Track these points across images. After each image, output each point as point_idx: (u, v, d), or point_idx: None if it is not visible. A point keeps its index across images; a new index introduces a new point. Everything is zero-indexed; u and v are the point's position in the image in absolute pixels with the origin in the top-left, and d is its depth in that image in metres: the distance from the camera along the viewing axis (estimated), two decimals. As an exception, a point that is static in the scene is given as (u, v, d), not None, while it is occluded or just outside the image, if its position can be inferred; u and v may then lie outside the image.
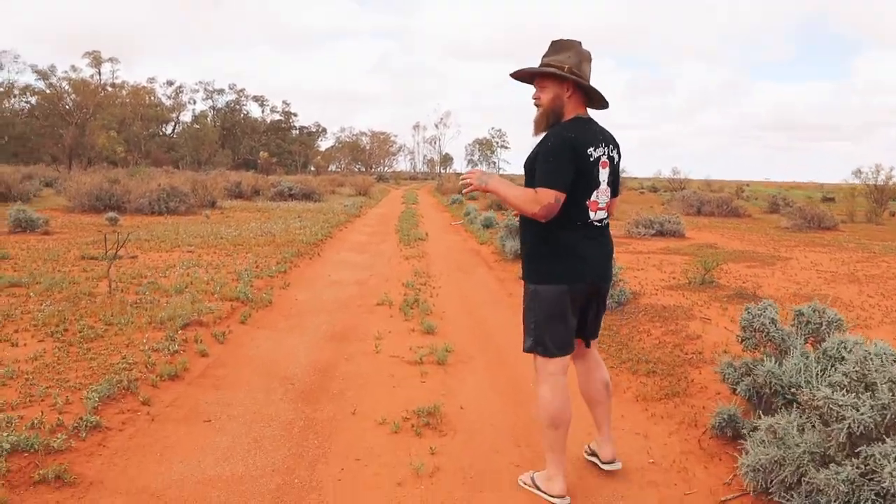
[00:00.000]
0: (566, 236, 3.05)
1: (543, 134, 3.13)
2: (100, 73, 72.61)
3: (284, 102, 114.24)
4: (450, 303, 7.99)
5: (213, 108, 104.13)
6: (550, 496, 3.18)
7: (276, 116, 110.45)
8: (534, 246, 3.15)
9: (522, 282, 3.27)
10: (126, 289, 7.38)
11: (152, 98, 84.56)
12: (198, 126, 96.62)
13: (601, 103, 3.22)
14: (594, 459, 3.57)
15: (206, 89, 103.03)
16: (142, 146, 74.88)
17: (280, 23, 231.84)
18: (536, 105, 3.18)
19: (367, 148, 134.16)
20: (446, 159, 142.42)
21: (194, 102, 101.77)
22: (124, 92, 76.09)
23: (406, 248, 13.25)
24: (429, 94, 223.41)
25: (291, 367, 5.19)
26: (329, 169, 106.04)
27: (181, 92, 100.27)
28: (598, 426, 3.49)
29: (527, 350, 3.20)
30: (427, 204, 32.41)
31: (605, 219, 3.20)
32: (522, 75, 3.21)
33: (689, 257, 11.32)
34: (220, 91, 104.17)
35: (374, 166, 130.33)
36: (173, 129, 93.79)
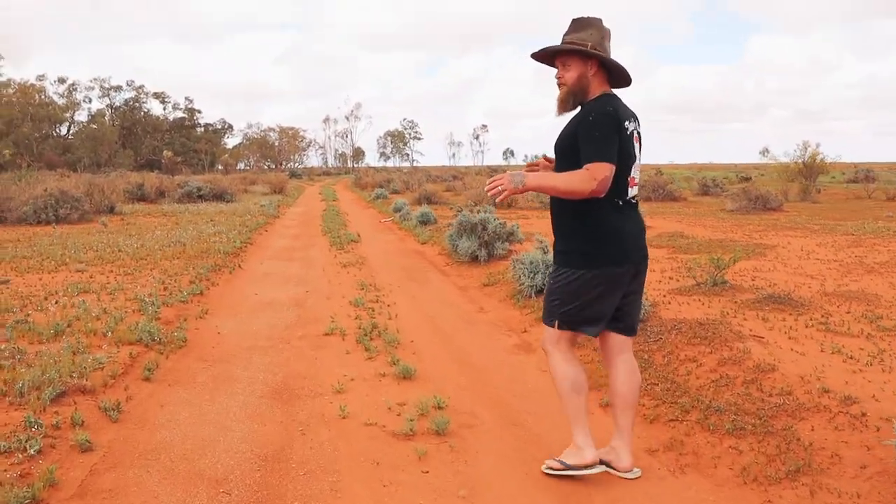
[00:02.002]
0: (609, 216, 3.01)
1: (569, 113, 3.13)
2: (-20, 71, 67.40)
3: (187, 99, 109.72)
4: (414, 327, 6.39)
5: (110, 106, 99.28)
6: (584, 466, 3.15)
7: (179, 114, 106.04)
8: (575, 229, 3.08)
9: (555, 267, 3.22)
10: (-16, 333, 5.48)
11: (43, 97, 79.22)
12: (95, 126, 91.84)
13: (625, 80, 3.17)
14: (607, 469, 3.30)
15: (102, 86, 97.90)
16: (34, 149, 69.91)
17: (179, 14, 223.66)
18: (560, 85, 3.13)
19: (276, 144, 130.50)
20: (359, 153, 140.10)
21: (90, 101, 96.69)
22: (10, 90, 70.82)
23: (340, 253, 11.54)
24: (338, 87, 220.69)
25: (223, 460, 3.47)
26: (237, 167, 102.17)
27: (75, 90, 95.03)
28: (619, 431, 3.29)
29: (549, 324, 3.19)
30: (348, 200, 30.56)
31: (637, 195, 3.18)
32: (544, 55, 3.17)
33: (667, 250, 10.04)
34: (118, 88, 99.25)
35: (284, 163, 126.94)
36: (68, 130, 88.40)
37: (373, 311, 6.94)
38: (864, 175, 42.69)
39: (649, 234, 11.24)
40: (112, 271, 8.63)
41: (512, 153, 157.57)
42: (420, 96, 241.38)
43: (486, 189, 3.08)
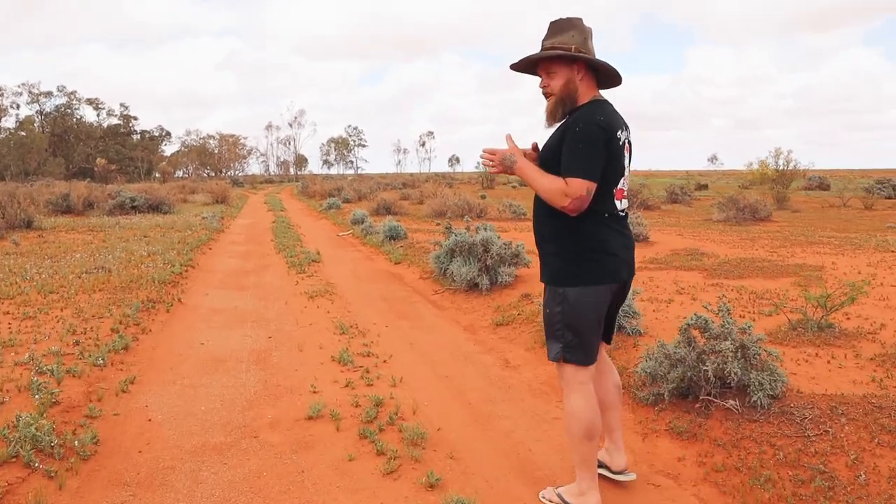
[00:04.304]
0: (596, 231, 2.83)
1: (558, 124, 2.88)
2: None
3: (123, 105, 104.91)
4: (432, 399, 4.54)
5: (40, 112, 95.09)
6: None
7: (114, 120, 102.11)
8: (560, 243, 2.87)
9: (543, 285, 3.00)
10: None
11: (-36, 102, 74.94)
12: (23, 133, 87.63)
13: (615, 79, 2.94)
14: (602, 471, 3.27)
15: (30, 92, 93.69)
16: (-46, 157, 65.79)
17: (115, 20, 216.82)
18: (546, 94, 2.90)
19: (216, 151, 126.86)
20: (302, 160, 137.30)
21: (17, 107, 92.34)
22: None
23: (302, 278, 9.58)
24: (280, 94, 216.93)
25: None
26: (176, 175, 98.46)
27: (1, 95, 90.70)
28: (608, 433, 3.23)
29: (555, 359, 2.94)
30: (297, 210, 28.34)
31: (627, 207, 2.96)
32: (525, 64, 2.93)
33: (699, 273, 8.38)
34: (48, 94, 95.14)
35: (224, 170, 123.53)
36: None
37: (367, 372, 5.06)
38: (817, 183, 42.45)
39: (666, 254, 9.60)
40: (8, 312, 6.52)
41: (458, 160, 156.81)
42: (364, 103, 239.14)
43: (481, 156, 2.96)
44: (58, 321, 6.17)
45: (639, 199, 23.06)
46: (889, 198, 27.52)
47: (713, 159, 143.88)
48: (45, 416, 3.70)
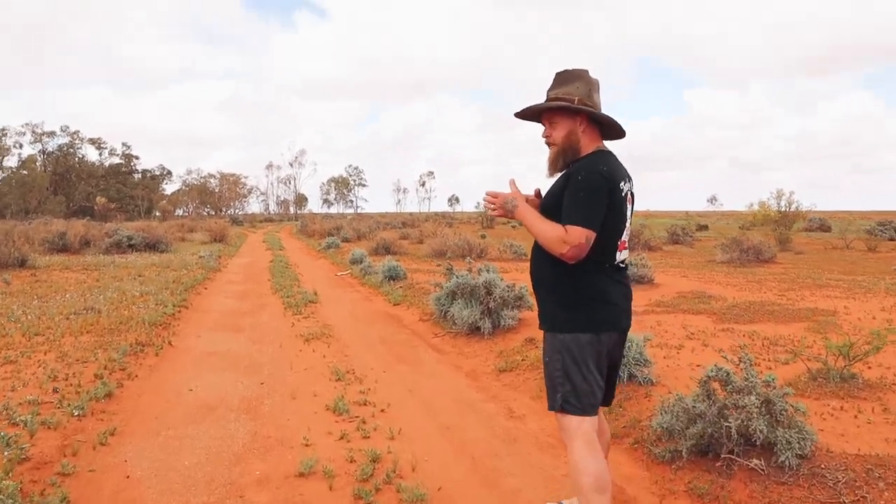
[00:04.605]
0: (597, 280, 2.79)
1: (559, 174, 2.89)
2: None
3: (125, 145, 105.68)
4: (432, 453, 4.25)
5: (42, 151, 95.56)
6: None
7: (116, 160, 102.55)
8: (559, 290, 2.83)
9: (542, 332, 2.93)
10: None
11: (-31, 142, 75.54)
12: (25, 172, 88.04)
13: (617, 133, 2.95)
14: None
15: (34, 132, 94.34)
16: (-43, 196, 65.97)
17: (118, 62, 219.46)
18: (548, 144, 2.92)
19: (217, 190, 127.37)
20: (302, 199, 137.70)
21: (20, 146, 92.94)
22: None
23: (298, 319, 9.31)
24: (280, 135, 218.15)
25: None
26: (176, 213, 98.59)
27: (4, 135, 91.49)
28: None
29: (555, 409, 2.83)
30: (295, 249, 28.13)
31: (626, 259, 2.92)
32: (529, 113, 2.96)
33: (708, 317, 8.11)
34: (51, 134, 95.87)
35: (224, 209, 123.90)
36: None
37: (363, 422, 4.77)
38: (817, 224, 42.39)
39: (672, 297, 9.33)
40: (-11, 356, 6.24)
41: (458, 199, 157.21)
42: (364, 144, 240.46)
43: (483, 199, 2.98)
44: (39, 366, 5.89)
45: (640, 240, 22.88)
46: (892, 239, 27.37)
47: (713, 200, 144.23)
48: (11, 474, 3.41)
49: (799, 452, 3.49)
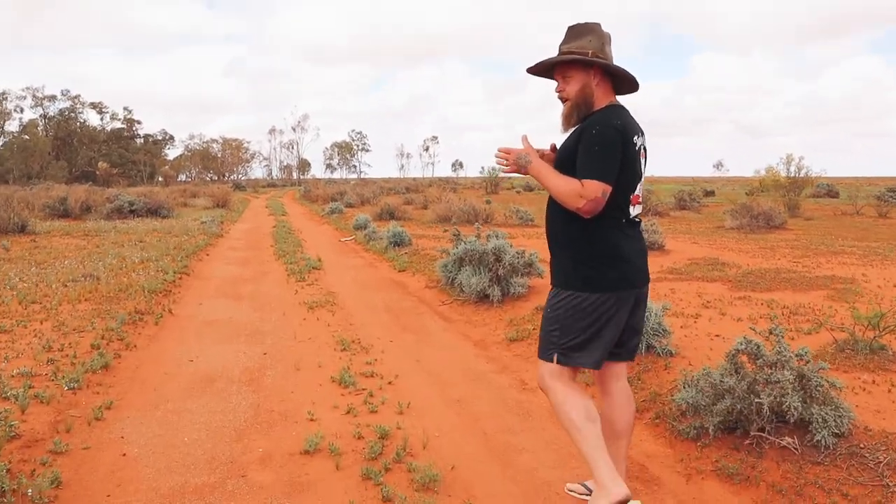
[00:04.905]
0: (611, 235, 2.75)
1: (573, 129, 2.82)
2: None
3: (126, 109, 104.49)
4: (442, 428, 4.06)
5: (44, 116, 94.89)
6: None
7: (118, 124, 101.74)
8: (574, 247, 2.78)
9: (551, 287, 2.90)
10: None
11: (-33, 106, 74.97)
12: (26, 136, 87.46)
13: (631, 86, 2.90)
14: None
15: (34, 96, 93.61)
16: (-43, 160, 65.60)
17: (120, 25, 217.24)
18: (562, 99, 2.85)
19: (220, 155, 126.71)
20: (305, 164, 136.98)
21: (21, 111, 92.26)
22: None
23: (301, 286, 9.10)
24: (284, 99, 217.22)
25: None
26: (179, 179, 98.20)
27: (5, 99, 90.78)
28: (613, 461, 2.77)
29: (545, 358, 2.82)
30: (298, 214, 27.88)
31: (641, 213, 2.89)
32: (541, 68, 2.88)
33: (722, 284, 7.88)
34: (52, 98, 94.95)
35: (227, 174, 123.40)
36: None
37: (371, 395, 4.57)
38: (825, 191, 41.91)
39: (684, 263, 9.10)
40: (-18, 325, 6.04)
41: (461, 165, 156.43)
42: (368, 109, 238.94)
43: (495, 155, 2.95)
44: (35, 335, 5.69)
45: (648, 206, 22.57)
46: (903, 205, 26.98)
47: (719, 165, 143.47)
48: (0, 453, 3.21)
49: (835, 431, 3.28)
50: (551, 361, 2.80)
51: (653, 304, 5.07)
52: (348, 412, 4.26)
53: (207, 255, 12.66)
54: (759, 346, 3.51)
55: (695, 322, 5.98)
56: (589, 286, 2.73)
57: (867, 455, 3.17)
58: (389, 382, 4.91)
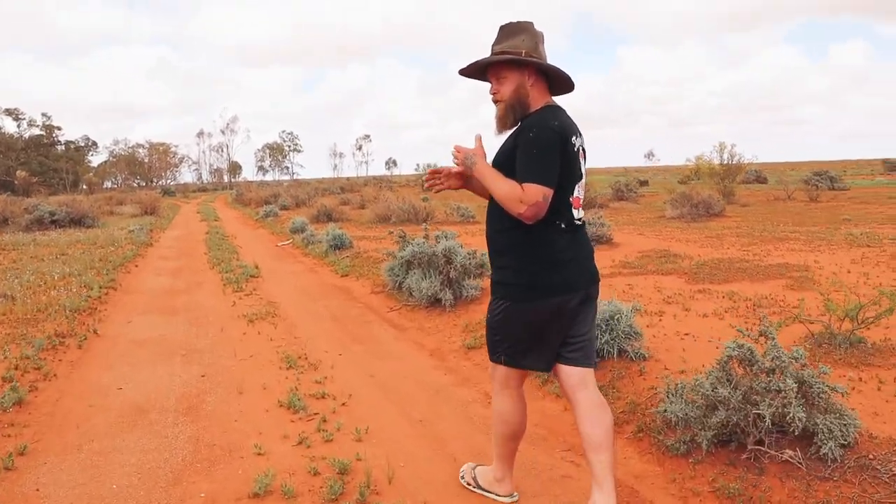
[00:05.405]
0: (553, 240, 2.67)
1: (509, 132, 2.75)
2: None
3: (45, 115, 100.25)
4: (405, 456, 3.65)
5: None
6: (500, 496, 3.10)
7: (36, 131, 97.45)
8: (515, 254, 2.71)
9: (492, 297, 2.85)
10: None
11: None
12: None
13: (567, 85, 2.82)
14: None
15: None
16: None
17: (36, 27, 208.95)
18: (496, 101, 2.76)
19: (146, 161, 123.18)
20: (235, 167, 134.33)
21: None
22: None
23: (239, 297, 8.55)
24: (212, 102, 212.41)
25: None
26: (104, 186, 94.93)
27: None
28: (598, 483, 2.74)
29: (496, 361, 2.86)
30: (231, 219, 26.97)
31: (583, 216, 2.81)
32: (474, 69, 2.79)
33: (678, 277, 7.68)
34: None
35: (155, 180, 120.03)
36: None
37: (324, 421, 4.13)
38: (754, 177, 42.84)
39: (628, 253, 8.84)
40: None
41: (395, 163, 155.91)
42: (300, 110, 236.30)
43: (451, 152, 2.86)
44: (-63, 369, 5.06)
45: (586, 198, 22.53)
46: (831, 189, 27.69)
47: (649, 155, 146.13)
48: None
49: (842, 441, 3.00)
50: (499, 363, 2.84)
51: (622, 304, 4.78)
52: (300, 443, 3.82)
53: (136, 266, 11.92)
54: (752, 351, 3.22)
55: (660, 320, 5.72)
56: (526, 296, 2.68)
57: (879, 467, 2.90)
58: (343, 404, 4.48)
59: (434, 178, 3.01)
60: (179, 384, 5.01)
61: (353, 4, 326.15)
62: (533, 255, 2.66)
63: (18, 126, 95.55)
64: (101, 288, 8.73)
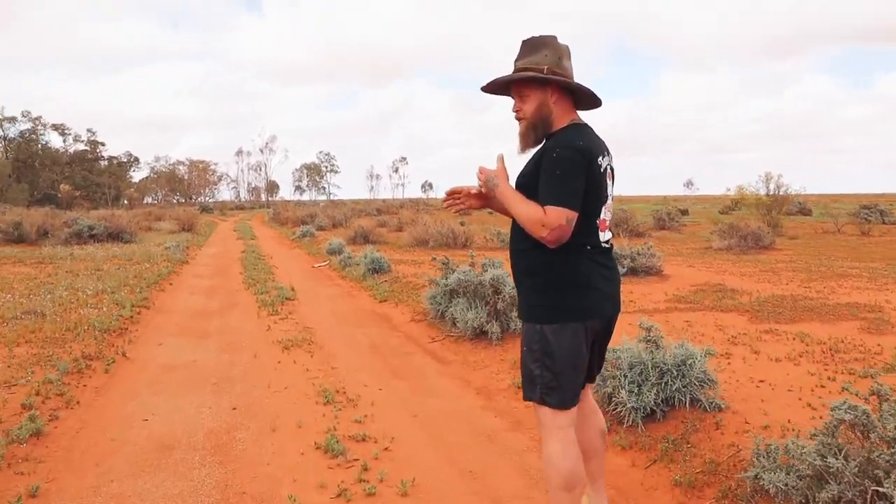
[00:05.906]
0: (578, 263, 2.55)
1: (533, 150, 2.65)
2: None
3: (90, 131, 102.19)
4: (461, 516, 3.23)
5: (3, 138, 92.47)
6: None
7: (81, 146, 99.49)
8: (539, 278, 2.59)
9: (522, 322, 2.69)
10: None
11: (-77, 127, 73.01)
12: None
13: (592, 102, 2.72)
14: None
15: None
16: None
17: (80, 45, 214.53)
18: (518, 119, 2.67)
19: (186, 178, 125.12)
20: (273, 186, 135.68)
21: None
22: None
23: (274, 321, 8.23)
24: (251, 119, 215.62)
25: None
26: (144, 201, 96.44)
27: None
28: (591, 482, 2.91)
29: (531, 399, 2.63)
30: (268, 238, 26.88)
31: (611, 238, 2.72)
32: (496, 86, 2.70)
33: (740, 315, 7.17)
34: (12, 119, 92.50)
35: (194, 196, 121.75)
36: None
37: (365, 469, 3.73)
38: (797, 208, 41.85)
39: (681, 287, 8.25)
40: None
41: (431, 185, 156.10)
42: (336, 129, 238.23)
43: (477, 174, 2.74)
44: (-46, 393, 4.77)
45: (628, 227, 22.00)
46: (883, 223, 26.81)
47: (689, 184, 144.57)
48: None
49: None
50: (538, 403, 2.61)
51: (693, 347, 4.32)
52: (339, 495, 3.42)
53: (171, 284, 11.70)
54: (868, 415, 2.76)
55: (728, 363, 5.25)
56: (558, 318, 2.55)
57: None
58: (385, 448, 4.07)
59: (453, 199, 2.83)
60: (209, 417, 4.65)
61: (389, 24, 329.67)
62: (559, 279, 2.56)
63: (64, 141, 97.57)
64: (133, 307, 8.47)
